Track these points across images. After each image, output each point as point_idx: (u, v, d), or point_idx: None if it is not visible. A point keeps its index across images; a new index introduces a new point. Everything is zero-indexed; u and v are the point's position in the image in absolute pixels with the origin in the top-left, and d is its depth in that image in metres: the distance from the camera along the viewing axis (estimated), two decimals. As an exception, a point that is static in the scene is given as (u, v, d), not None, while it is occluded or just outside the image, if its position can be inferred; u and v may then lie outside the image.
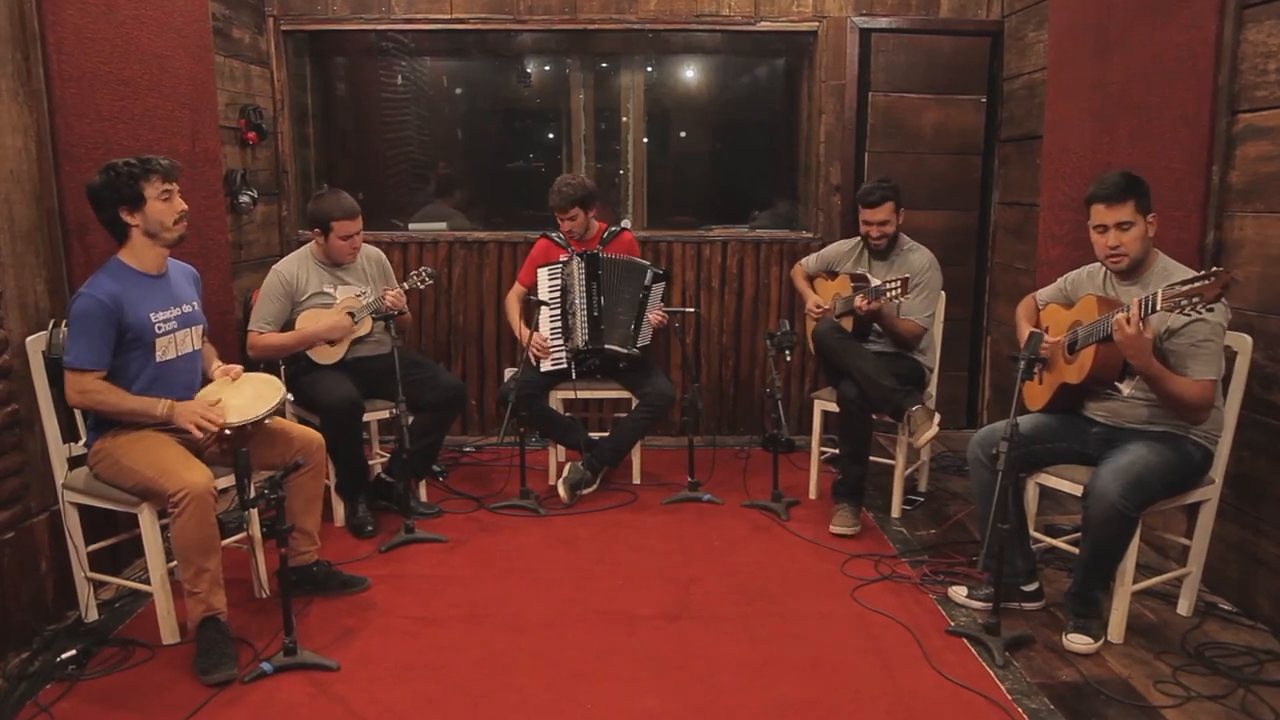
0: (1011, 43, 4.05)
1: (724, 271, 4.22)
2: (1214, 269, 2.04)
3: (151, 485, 2.23)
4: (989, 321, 4.30)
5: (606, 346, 3.45)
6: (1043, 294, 2.75)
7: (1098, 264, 2.51)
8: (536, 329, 3.41)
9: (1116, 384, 2.39)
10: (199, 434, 2.30)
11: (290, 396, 2.40)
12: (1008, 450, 2.25)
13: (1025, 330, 2.63)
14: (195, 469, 2.23)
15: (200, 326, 2.53)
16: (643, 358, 3.53)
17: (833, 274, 3.48)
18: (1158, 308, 2.11)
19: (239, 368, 2.54)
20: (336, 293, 3.14)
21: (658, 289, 3.51)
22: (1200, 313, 2.06)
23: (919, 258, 3.26)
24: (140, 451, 2.27)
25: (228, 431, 2.31)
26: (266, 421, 2.44)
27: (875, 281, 3.08)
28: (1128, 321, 2.16)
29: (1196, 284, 2.02)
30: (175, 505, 2.17)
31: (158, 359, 2.36)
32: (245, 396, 2.43)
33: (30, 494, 2.40)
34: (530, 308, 3.42)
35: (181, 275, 2.53)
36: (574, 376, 3.44)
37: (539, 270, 3.53)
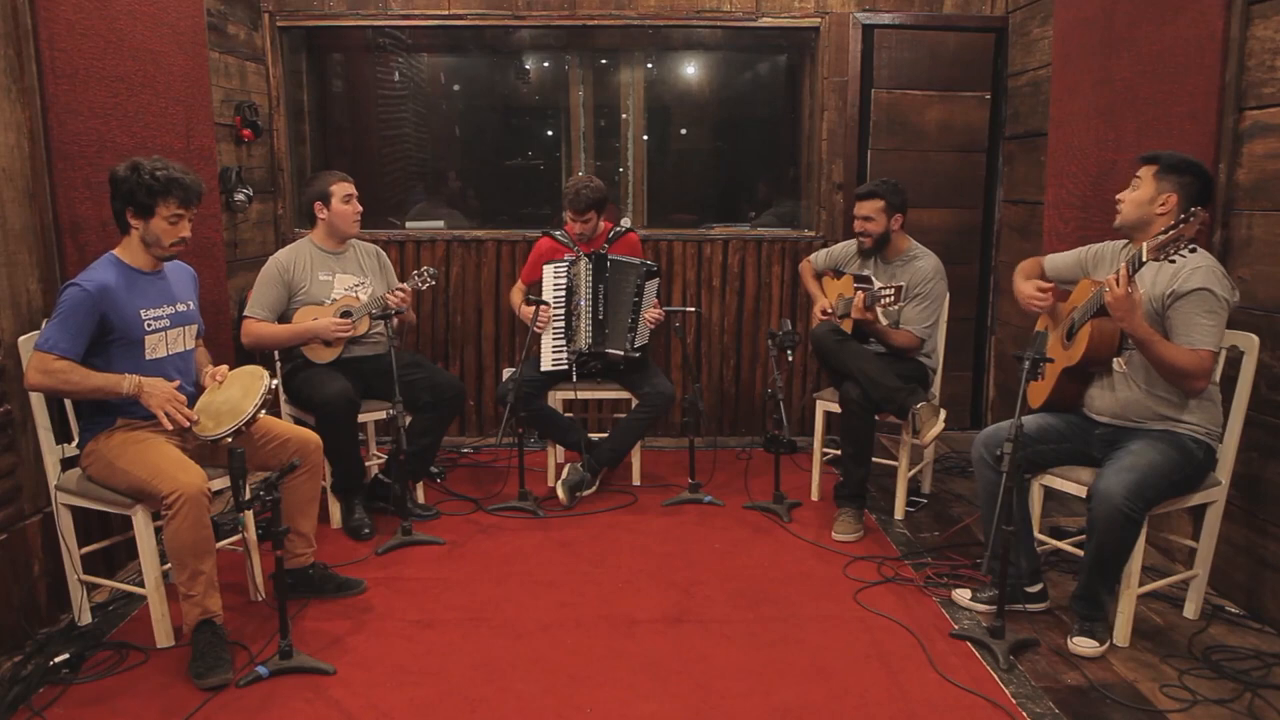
0: (1016, 38, 4.02)
1: (725, 270, 4.19)
2: (1191, 209, 2.10)
3: (144, 487, 2.20)
4: (993, 320, 4.27)
5: (609, 351, 3.42)
6: (1052, 260, 2.68)
7: (1123, 240, 2.50)
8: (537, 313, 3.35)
9: (1114, 357, 2.39)
10: (168, 423, 2.26)
11: (276, 382, 2.36)
12: (1012, 451, 2.23)
13: (1021, 278, 2.64)
14: (189, 470, 2.20)
15: (195, 326, 2.50)
16: (642, 357, 3.50)
17: (839, 273, 3.45)
18: (1144, 259, 2.15)
19: (224, 368, 2.51)
20: (335, 280, 3.12)
21: (651, 286, 3.48)
22: (1185, 255, 2.11)
23: (925, 265, 3.21)
24: (133, 453, 2.25)
25: (229, 439, 2.28)
26: (261, 418, 2.40)
27: (878, 284, 3.05)
28: (1117, 281, 2.18)
29: (1176, 228, 2.09)
30: (168, 507, 2.15)
31: (147, 356, 2.34)
32: (234, 395, 2.40)
33: (23, 495, 2.38)
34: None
35: (180, 274, 2.51)
36: (575, 379, 3.41)
37: (544, 266, 3.49)
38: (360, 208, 3.18)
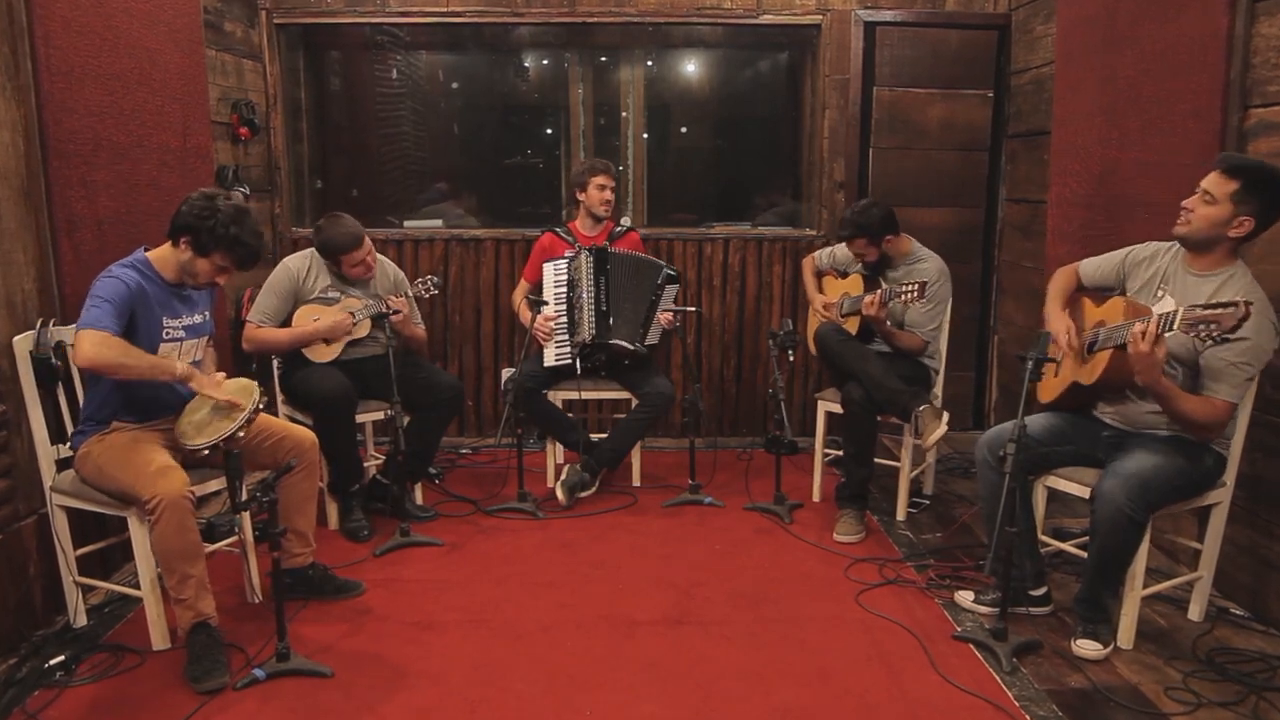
0: (1019, 36, 4.00)
1: (726, 270, 4.17)
2: (1240, 299, 1.93)
3: (128, 491, 2.19)
4: (996, 320, 4.25)
5: (613, 341, 3.40)
6: (1089, 265, 2.56)
7: (1172, 243, 2.37)
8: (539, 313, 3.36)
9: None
10: (219, 396, 2.28)
11: (264, 401, 2.35)
12: (1015, 452, 2.21)
13: (1055, 308, 2.52)
14: (169, 475, 2.17)
15: (207, 336, 2.50)
16: (646, 356, 3.49)
17: (843, 274, 3.44)
18: (1174, 327, 2.03)
19: (221, 375, 2.48)
20: (341, 299, 3.10)
21: (670, 290, 3.47)
22: (1215, 340, 1.97)
23: (929, 267, 3.19)
24: (119, 457, 2.24)
25: (205, 452, 2.27)
26: (255, 420, 2.39)
27: (886, 285, 3.04)
28: (1143, 336, 2.07)
29: (1217, 310, 1.94)
30: (150, 513, 2.13)
31: None
32: (222, 408, 2.37)
33: (18, 497, 2.36)
34: (535, 307, 3.34)
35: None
36: (579, 372, 3.39)
37: (544, 265, 3.48)
38: (373, 260, 3.11)
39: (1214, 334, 1.94)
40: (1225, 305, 1.93)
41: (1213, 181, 2.17)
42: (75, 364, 2.21)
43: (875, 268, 3.24)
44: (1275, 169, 2.16)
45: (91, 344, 2.11)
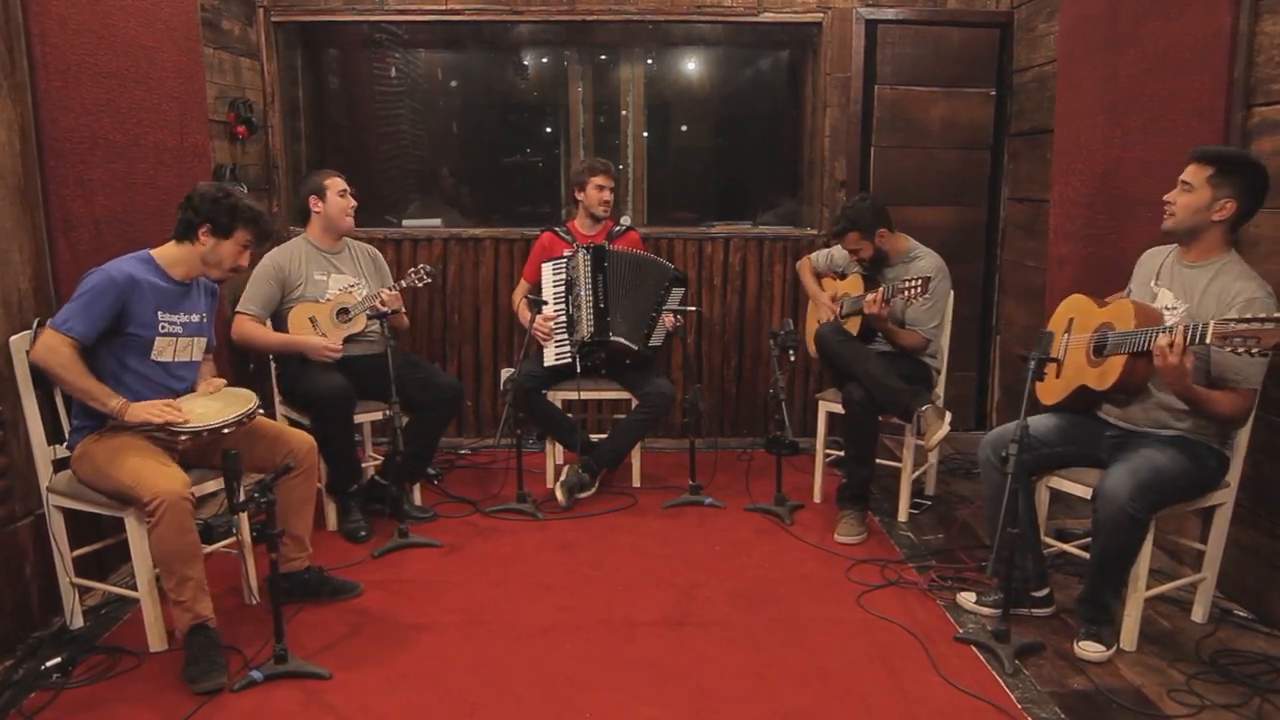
0: (1021, 34, 3.99)
1: (726, 269, 4.16)
2: (1276, 315, 1.89)
3: (128, 492, 2.18)
4: (998, 320, 4.24)
5: (613, 339, 3.38)
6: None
7: (1167, 247, 2.40)
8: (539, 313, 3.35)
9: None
10: (158, 420, 2.24)
11: (261, 412, 2.35)
12: (1017, 453, 2.20)
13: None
14: (169, 476, 2.16)
15: (205, 339, 2.50)
16: (649, 356, 3.48)
17: (842, 275, 3.44)
18: (1206, 340, 1.99)
19: (221, 381, 2.51)
20: (329, 280, 3.11)
21: (677, 293, 3.46)
22: (1252, 355, 1.92)
23: (927, 264, 3.17)
24: (117, 457, 2.22)
25: (184, 436, 2.27)
26: (253, 421, 2.38)
27: (886, 283, 3.03)
28: (1170, 347, 2.05)
29: (1253, 325, 1.89)
30: (150, 514, 2.12)
31: (154, 357, 2.33)
32: (214, 406, 2.38)
33: (14, 497, 2.35)
34: (535, 306, 3.34)
35: (201, 287, 2.50)
36: (578, 370, 3.38)
37: (543, 266, 3.48)
38: (354, 202, 3.18)
39: (1252, 349, 1.89)
40: (1265, 320, 1.89)
41: (1189, 172, 2.25)
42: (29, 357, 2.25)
43: (873, 266, 3.23)
44: (1244, 151, 2.23)
45: (42, 345, 2.19)
